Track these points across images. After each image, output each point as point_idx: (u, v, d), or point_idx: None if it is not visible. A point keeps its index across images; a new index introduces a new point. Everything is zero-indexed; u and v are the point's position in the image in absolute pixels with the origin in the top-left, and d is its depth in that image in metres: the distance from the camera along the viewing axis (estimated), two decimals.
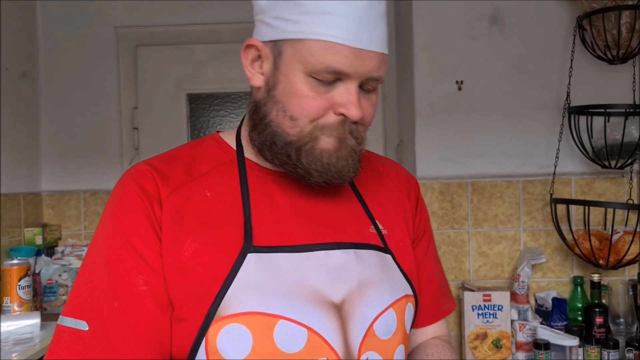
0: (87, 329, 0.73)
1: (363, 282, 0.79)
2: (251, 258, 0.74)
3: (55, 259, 2.22)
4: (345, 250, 0.80)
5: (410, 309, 0.85)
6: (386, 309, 0.80)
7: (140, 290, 0.74)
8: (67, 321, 0.75)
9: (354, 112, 0.75)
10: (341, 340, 0.75)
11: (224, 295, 0.72)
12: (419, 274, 0.92)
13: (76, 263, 2.23)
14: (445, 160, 2.04)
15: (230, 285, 0.73)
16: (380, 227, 0.87)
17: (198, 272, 0.74)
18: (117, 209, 0.78)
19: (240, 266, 0.74)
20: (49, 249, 2.28)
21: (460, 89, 2.04)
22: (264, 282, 0.74)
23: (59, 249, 2.28)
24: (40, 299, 2.12)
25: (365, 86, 0.77)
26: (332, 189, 0.86)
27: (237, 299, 0.72)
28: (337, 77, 0.74)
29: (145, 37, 2.37)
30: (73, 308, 0.75)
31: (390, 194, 0.92)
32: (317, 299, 0.75)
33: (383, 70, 0.77)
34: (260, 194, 0.81)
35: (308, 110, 0.75)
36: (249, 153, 0.84)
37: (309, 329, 0.74)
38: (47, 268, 2.14)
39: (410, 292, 0.85)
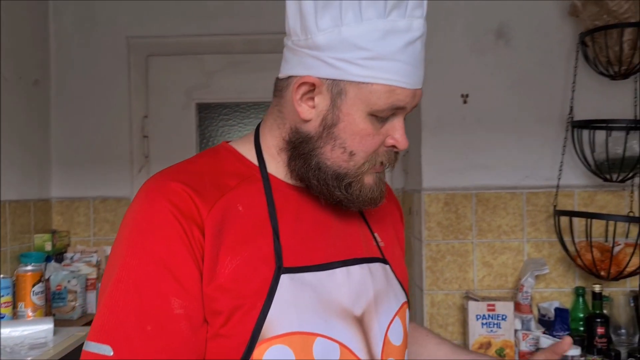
0: (111, 354, 0.71)
1: (377, 295, 0.85)
2: (284, 279, 0.77)
3: (64, 265, 2.26)
4: (361, 265, 0.85)
5: (408, 314, 0.92)
6: (394, 317, 0.87)
7: (175, 313, 0.72)
8: (90, 346, 0.72)
9: (403, 143, 0.81)
10: (366, 351, 0.81)
11: (265, 317, 0.74)
12: None
13: (85, 269, 2.27)
14: (450, 171, 2.08)
15: (270, 307, 0.75)
16: (379, 239, 0.93)
17: (238, 290, 0.75)
18: (147, 227, 0.75)
19: (276, 287, 0.76)
20: (58, 255, 2.31)
21: (465, 102, 2.09)
22: (298, 301, 0.77)
23: (68, 255, 2.31)
24: (50, 304, 2.14)
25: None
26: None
27: (278, 319, 0.75)
28: (395, 112, 0.80)
29: (157, 47, 2.41)
30: (96, 331, 0.73)
31: (383, 209, 0.97)
32: (343, 314, 0.80)
33: None
34: (286, 211, 0.83)
35: (369, 146, 0.80)
36: (272, 169, 0.85)
37: (340, 344, 0.78)
38: (56, 274, 2.17)
39: (406, 299, 0.92)
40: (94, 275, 2.27)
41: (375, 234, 0.93)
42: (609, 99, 2.05)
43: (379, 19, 0.75)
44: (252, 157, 0.86)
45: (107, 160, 2.40)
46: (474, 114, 2.08)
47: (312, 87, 0.79)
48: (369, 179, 0.82)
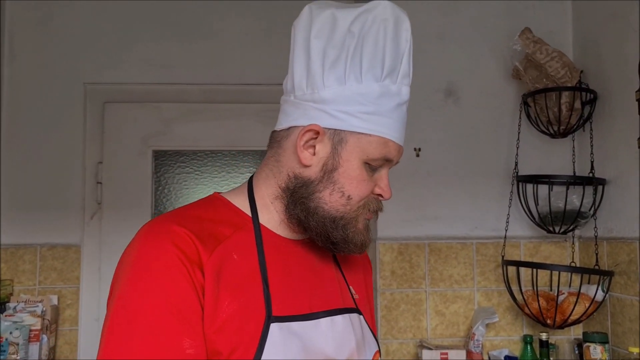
0: None
1: (358, 343, 0.92)
2: (274, 328, 0.82)
3: (6, 316, 2.14)
4: (343, 315, 0.92)
5: None
6: None
7: (187, 352, 0.76)
8: None
9: (388, 193, 0.92)
10: None
11: None
12: None
13: (29, 320, 2.16)
14: (404, 222, 2.15)
15: (262, 355, 0.80)
16: (353, 291, 1.00)
17: (235, 332, 0.80)
18: (155, 270, 0.78)
19: (266, 336, 0.81)
20: (0, 305, 2.20)
21: (418, 155, 2.18)
22: (287, 350, 0.82)
23: (11, 304, 2.20)
24: None
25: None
26: (325, 258, 0.97)
27: None
28: (384, 164, 0.90)
29: (114, 94, 2.41)
30: None
31: (356, 262, 1.06)
32: None
33: None
34: (275, 261, 0.88)
35: (363, 190, 0.89)
36: (264, 219, 0.91)
37: None
38: None
39: (378, 348, 0.99)
40: (37, 327, 2.16)
41: (351, 287, 1.00)
42: (550, 156, 2.20)
43: (376, 82, 0.87)
44: (245, 208, 0.91)
45: (57, 206, 2.33)
46: (425, 167, 2.17)
47: (315, 135, 0.88)
48: (360, 224, 0.90)
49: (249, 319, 0.81)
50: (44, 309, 2.23)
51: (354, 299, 0.98)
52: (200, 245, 0.81)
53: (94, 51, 2.41)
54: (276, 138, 0.93)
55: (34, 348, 2.15)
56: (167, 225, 0.82)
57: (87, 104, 2.40)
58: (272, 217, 0.92)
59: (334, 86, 0.87)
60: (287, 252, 0.91)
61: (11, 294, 2.30)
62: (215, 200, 0.93)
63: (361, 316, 0.97)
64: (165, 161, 2.44)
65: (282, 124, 0.92)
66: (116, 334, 0.75)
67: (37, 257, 2.32)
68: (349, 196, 0.88)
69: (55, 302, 2.29)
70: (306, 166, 0.89)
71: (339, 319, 0.90)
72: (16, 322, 2.12)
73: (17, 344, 2.06)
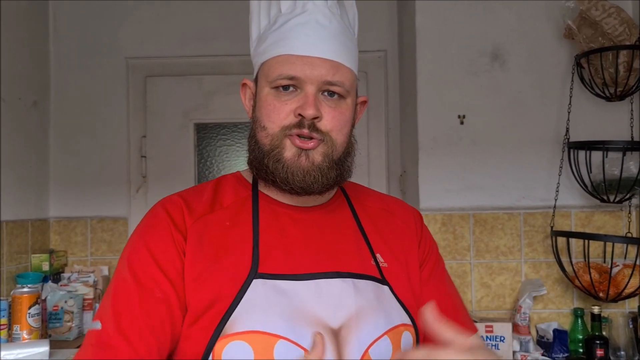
0: (99, 327, 0.82)
1: (360, 310, 0.86)
2: (257, 283, 0.84)
3: (61, 285, 2.24)
4: (344, 279, 0.88)
5: (407, 337, 0.89)
6: (381, 335, 0.85)
7: (157, 296, 0.83)
8: (91, 325, 0.85)
9: (308, 111, 0.86)
10: None
11: (230, 315, 0.81)
12: (422, 296, 0.96)
13: (82, 289, 2.25)
14: (447, 192, 2.08)
15: (236, 306, 0.81)
16: (381, 259, 0.95)
17: (211, 288, 0.83)
18: (145, 228, 0.89)
19: (246, 290, 0.83)
20: (55, 275, 2.30)
21: (462, 122, 2.10)
22: (267, 305, 0.82)
23: (65, 275, 2.30)
24: (46, 325, 2.13)
25: (327, 91, 0.89)
26: (338, 222, 0.95)
27: (241, 318, 0.80)
28: (292, 82, 0.87)
29: (155, 68, 2.43)
30: (96, 313, 0.86)
31: (395, 230, 1.00)
32: (316, 323, 0.82)
33: (339, 76, 0.88)
34: (271, 224, 0.91)
35: (273, 117, 0.88)
36: (262, 187, 0.95)
37: (305, 350, 0.80)
38: (53, 294, 2.16)
39: (408, 322, 0.90)
40: (90, 295, 2.25)
41: (378, 254, 0.94)
42: (605, 121, 2.06)
43: (277, 12, 0.92)
44: (251, 180, 0.96)
45: (104, 181, 2.40)
46: (470, 134, 2.09)
47: (251, 90, 0.95)
48: (288, 154, 0.87)
49: (232, 278, 0.84)
50: (96, 279, 2.31)
51: (378, 267, 0.92)
52: (187, 212, 0.89)
53: (134, 25, 2.43)
54: None
55: (87, 316, 2.24)
56: (170, 196, 0.93)
57: (129, 78, 2.43)
58: (270, 185, 0.93)
59: (254, 37, 0.95)
60: (287, 217, 0.92)
61: (65, 265, 2.40)
62: (230, 176, 0.99)
63: (385, 286, 0.90)
64: (206, 134, 2.45)
65: None
66: (110, 284, 0.87)
67: (87, 229, 2.41)
68: (263, 126, 0.88)
69: (106, 272, 2.37)
70: (251, 118, 0.94)
71: (336, 282, 0.86)
72: (70, 291, 2.22)
73: (72, 312, 2.16)
